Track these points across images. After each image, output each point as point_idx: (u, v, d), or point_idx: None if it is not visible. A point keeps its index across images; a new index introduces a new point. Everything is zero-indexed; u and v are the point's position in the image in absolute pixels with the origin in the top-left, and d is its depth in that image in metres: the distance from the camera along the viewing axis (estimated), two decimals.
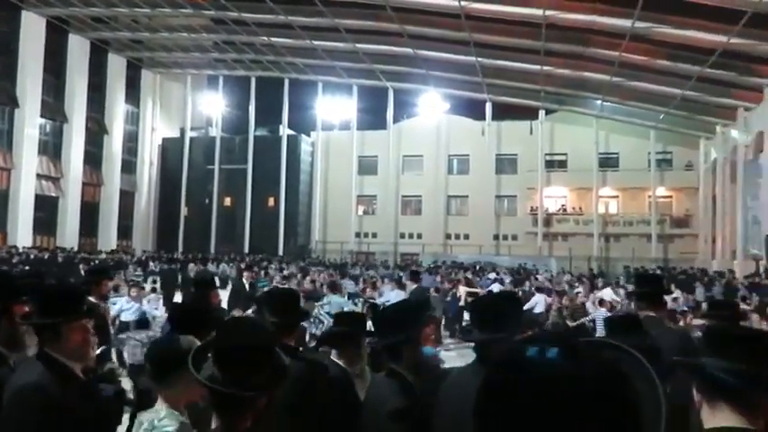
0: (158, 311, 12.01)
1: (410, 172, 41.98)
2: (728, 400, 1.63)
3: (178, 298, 16.87)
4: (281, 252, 40.57)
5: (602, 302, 12.79)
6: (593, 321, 12.05)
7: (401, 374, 2.72)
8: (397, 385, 2.67)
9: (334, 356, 3.44)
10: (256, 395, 1.82)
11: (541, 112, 38.08)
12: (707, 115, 31.45)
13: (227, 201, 44.29)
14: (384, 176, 41.46)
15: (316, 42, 32.81)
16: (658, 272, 25.71)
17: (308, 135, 44.88)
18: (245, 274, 15.56)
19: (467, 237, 39.97)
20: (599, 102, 34.24)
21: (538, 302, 14.78)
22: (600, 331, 10.82)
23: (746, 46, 22.64)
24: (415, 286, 12.43)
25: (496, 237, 39.66)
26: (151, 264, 30.18)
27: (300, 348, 3.86)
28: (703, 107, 30.66)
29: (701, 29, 22.15)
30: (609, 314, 11.64)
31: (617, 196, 38.76)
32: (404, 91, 40.08)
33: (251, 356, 1.83)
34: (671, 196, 37.90)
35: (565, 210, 39.43)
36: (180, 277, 20.91)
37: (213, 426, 1.91)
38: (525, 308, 12.26)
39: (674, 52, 24.76)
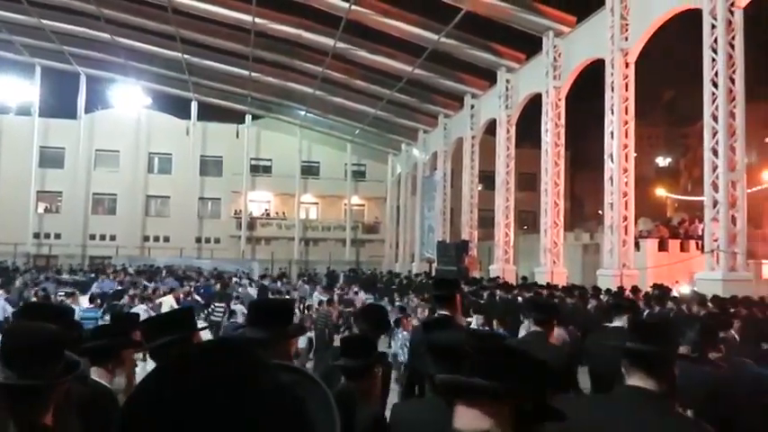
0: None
1: (104, 168, 38.46)
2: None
3: None
4: None
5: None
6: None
7: None
8: None
9: (93, 374, 3.01)
10: (45, 384, 1.92)
11: (248, 117, 38.44)
12: (394, 134, 35.36)
13: None
14: (72, 171, 37.26)
15: None
16: (350, 273, 28.02)
17: None
18: None
19: (167, 239, 38.18)
20: (303, 112, 35.89)
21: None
22: None
23: (426, 77, 26.11)
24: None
25: (199, 239, 38.72)
26: None
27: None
28: (391, 126, 34.37)
29: (391, 57, 24.83)
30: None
31: (317, 203, 41.10)
32: (99, 79, 36.55)
33: (38, 353, 1.93)
34: (363, 205, 41.59)
35: (268, 214, 40.37)
36: None
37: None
38: None
39: (370, 75, 27.30)
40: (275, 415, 0.72)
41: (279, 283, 22.99)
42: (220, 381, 0.71)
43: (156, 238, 38.43)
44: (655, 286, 13.21)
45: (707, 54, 13.61)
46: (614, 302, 5.82)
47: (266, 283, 22.10)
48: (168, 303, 13.63)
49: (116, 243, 36.69)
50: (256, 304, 3.02)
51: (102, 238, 37.76)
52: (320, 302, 14.61)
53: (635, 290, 13.10)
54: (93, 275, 25.19)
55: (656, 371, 2.17)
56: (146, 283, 19.83)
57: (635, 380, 2.19)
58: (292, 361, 2.84)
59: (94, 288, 19.03)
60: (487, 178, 27.29)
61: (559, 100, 20.05)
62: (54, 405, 1.96)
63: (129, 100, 37.73)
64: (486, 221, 26.74)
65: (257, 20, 23.33)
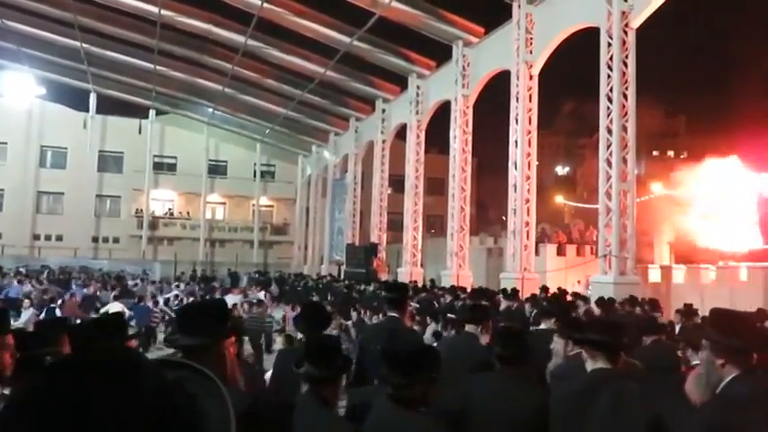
0: None
1: None
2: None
3: None
4: None
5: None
6: None
7: None
8: None
9: None
10: None
11: (152, 112, 36.91)
12: (305, 135, 35.08)
13: None
14: None
15: None
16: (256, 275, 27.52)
17: None
18: None
19: (60, 238, 35.97)
20: (211, 110, 34.88)
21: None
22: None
23: (339, 80, 26.11)
24: None
25: (96, 239, 36.79)
26: None
27: None
28: (302, 128, 34.08)
29: (303, 58, 24.62)
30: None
31: (224, 203, 40.07)
32: None
33: None
34: (272, 206, 40.98)
35: (172, 214, 38.92)
36: None
37: None
38: None
39: (281, 74, 26.94)
40: (161, 414, 0.70)
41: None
42: (96, 387, 0.68)
43: (48, 237, 36.13)
44: (559, 289, 13.88)
45: (603, 70, 14.46)
46: (545, 308, 6.41)
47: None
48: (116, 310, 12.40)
49: (2, 242, 34.14)
50: (185, 309, 2.90)
51: None
52: (249, 304, 14.15)
53: (514, 291, 13.58)
54: None
55: (609, 353, 3.03)
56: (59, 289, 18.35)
57: (599, 363, 3.03)
58: (226, 364, 2.56)
59: None
60: (397, 182, 27.63)
61: (467, 108, 20.65)
62: None
63: (19, 89, 35.13)
64: (396, 224, 27.06)
65: (164, 12, 22.41)
